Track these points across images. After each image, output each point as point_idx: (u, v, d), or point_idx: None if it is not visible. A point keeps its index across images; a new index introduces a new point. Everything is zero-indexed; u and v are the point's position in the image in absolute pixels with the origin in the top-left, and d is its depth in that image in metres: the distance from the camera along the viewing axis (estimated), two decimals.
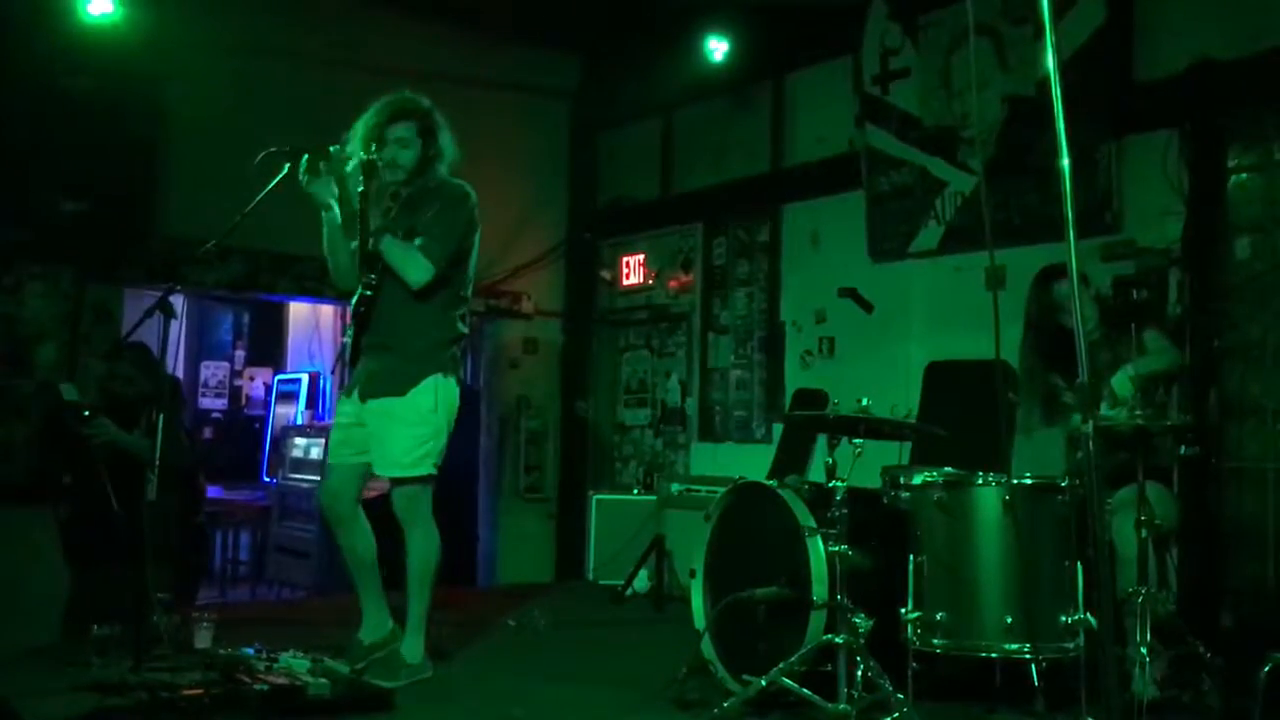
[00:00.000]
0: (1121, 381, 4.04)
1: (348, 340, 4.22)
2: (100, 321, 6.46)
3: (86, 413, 4.75)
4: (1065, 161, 2.24)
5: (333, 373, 9.36)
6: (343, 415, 4.26)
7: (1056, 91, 2.24)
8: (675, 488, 6.54)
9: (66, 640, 4.52)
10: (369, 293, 4.08)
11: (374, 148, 4.05)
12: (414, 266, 4.02)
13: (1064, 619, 3.43)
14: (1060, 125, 2.24)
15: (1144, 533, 3.65)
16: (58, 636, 4.59)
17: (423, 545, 4.13)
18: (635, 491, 7.11)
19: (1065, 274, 4.25)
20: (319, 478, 8.01)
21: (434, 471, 4.12)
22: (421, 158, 4.14)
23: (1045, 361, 4.32)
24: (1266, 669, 3.41)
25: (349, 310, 4.26)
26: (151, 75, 6.38)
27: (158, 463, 4.02)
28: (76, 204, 6.19)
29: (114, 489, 4.66)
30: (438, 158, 4.17)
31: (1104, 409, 4.02)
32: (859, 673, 3.49)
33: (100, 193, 6.25)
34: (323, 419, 9.15)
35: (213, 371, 10.84)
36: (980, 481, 3.62)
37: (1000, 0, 5.63)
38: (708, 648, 4.00)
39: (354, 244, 4.09)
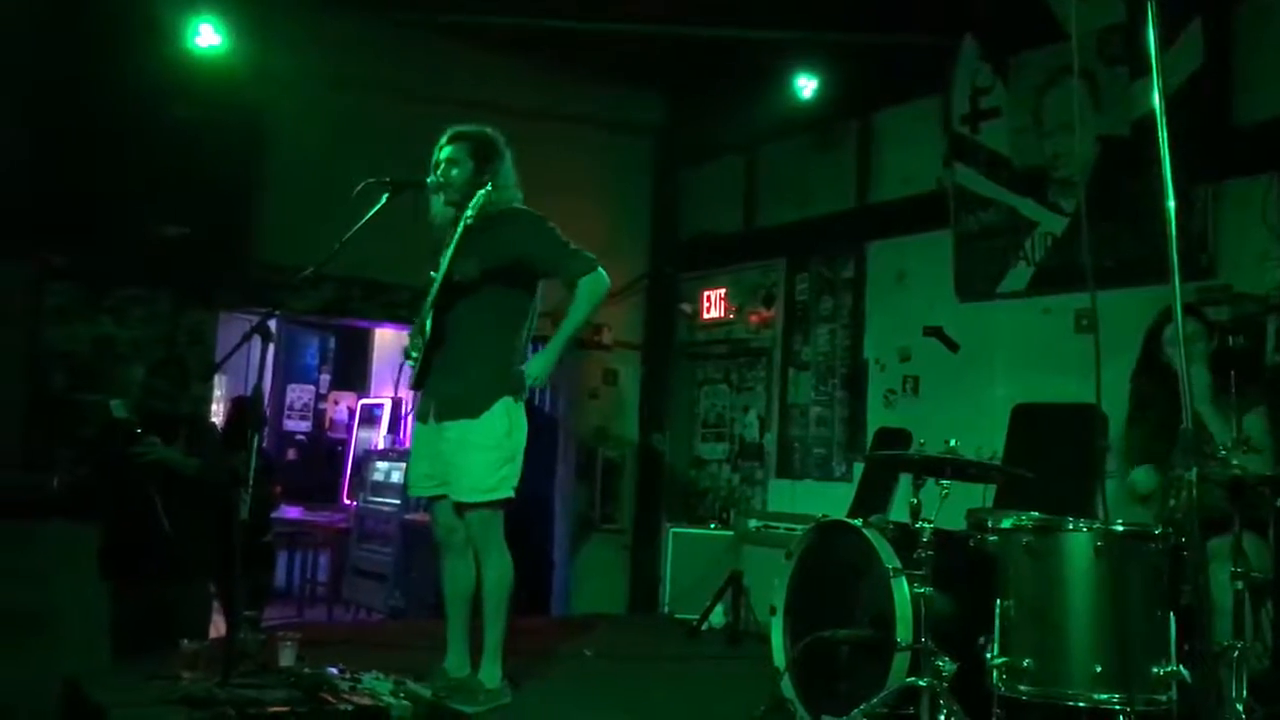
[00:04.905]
0: (1143, 477, 3.93)
1: (413, 362, 4.21)
2: (194, 343, 6.62)
3: (138, 430, 4.77)
4: (1171, 203, 2.22)
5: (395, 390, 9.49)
6: (419, 444, 4.30)
7: (1163, 133, 2.22)
8: (753, 524, 6.51)
9: (117, 658, 4.58)
10: (444, 314, 4.12)
11: (434, 173, 4.18)
12: (592, 289, 4.16)
13: (1156, 670, 3.34)
14: (1166, 166, 2.22)
15: (1239, 585, 3.55)
16: (108, 654, 4.62)
17: (497, 571, 4.13)
18: (712, 526, 7.08)
19: (1188, 312, 4.19)
20: (398, 502, 8.15)
21: (513, 495, 4.13)
22: (473, 177, 4.14)
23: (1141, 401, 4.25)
24: None
25: (411, 333, 4.27)
26: (253, 106, 6.57)
27: (250, 482, 4.06)
28: (177, 229, 6.37)
29: (164, 507, 4.71)
30: (495, 182, 4.14)
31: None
32: (942, 717, 3.44)
33: (200, 219, 6.44)
34: (404, 444, 9.27)
35: (298, 394, 11.06)
36: (1070, 527, 3.56)
37: (1095, 41, 5.59)
38: (787, 686, 3.97)
39: (435, 273, 4.15)
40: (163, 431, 4.83)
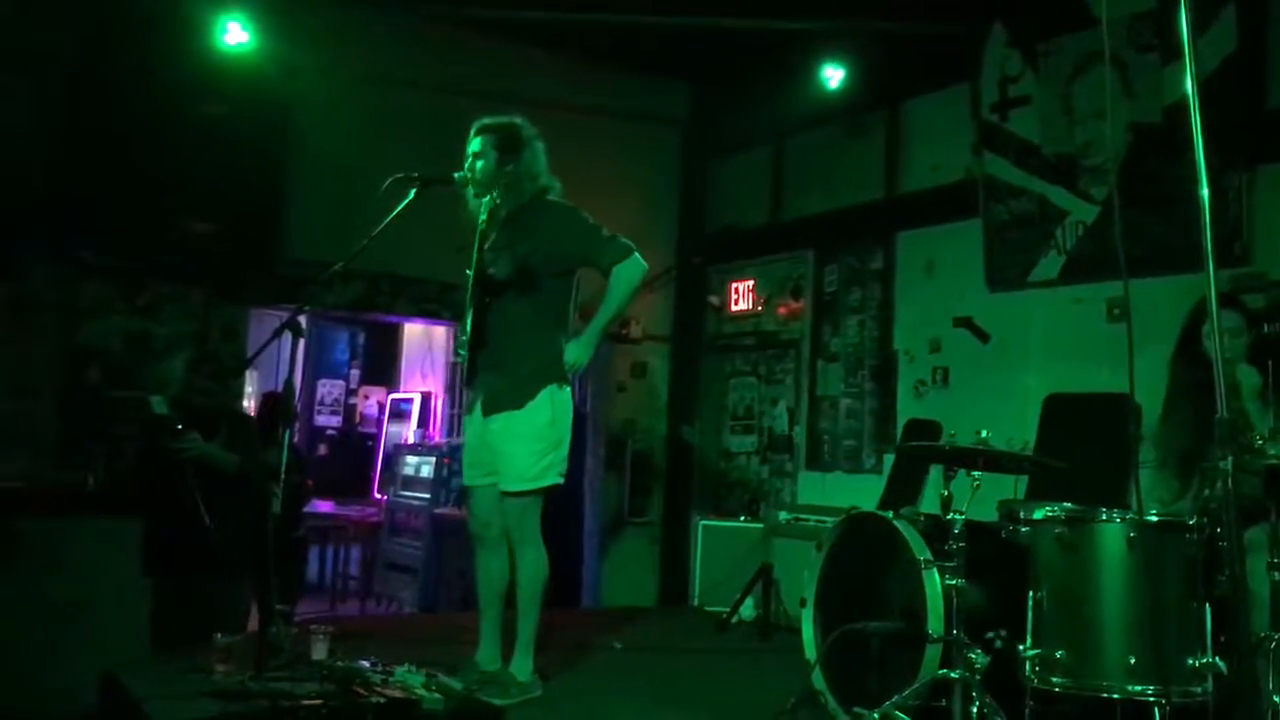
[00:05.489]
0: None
1: (462, 360, 4.27)
2: (227, 340, 6.67)
3: (180, 426, 4.76)
4: (1204, 190, 2.18)
5: (447, 390, 9.55)
6: (469, 435, 4.34)
7: (1196, 119, 2.18)
8: (783, 516, 6.50)
9: (156, 652, 4.63)
10: (483, 313, 4.14)
11: (465, 167, 4.19)
12: (628, 275, 4.19)
13: (1191, 662, 3.31)
14: (1199, 152, 2.18)
15: (1276, 575, 3.51)
16: (147, 648, 4.69)
17: (532, 564, 4.15)
18: (742, 519, 7.07)
19: (1228, 303, 4.13)
20: (429, 496, 8.19)
21: (560, 481, 4.16)
22: (498, 169, 4.14)
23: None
24: None
25: (458, 331, 4.35)
26: (282, 102, 6.62)
27: (282, 477, 4.08)
28: (207, 226, 6.42)
29: (204, 502, 4.74)
30: (520, 172, 4.16)
31: None
32: (974, 709, 3.42)
33: (230, 216, 6.49)
34: (433, 438, 9.31)
35: (329, 389, 11.13)
36: (1104, 517, 3.52)
37: (1125, 28, 5.52)
38: (818, 678, 3.96)
39: (469, 271, 4.16)
40: (202, 427, 4.87)
